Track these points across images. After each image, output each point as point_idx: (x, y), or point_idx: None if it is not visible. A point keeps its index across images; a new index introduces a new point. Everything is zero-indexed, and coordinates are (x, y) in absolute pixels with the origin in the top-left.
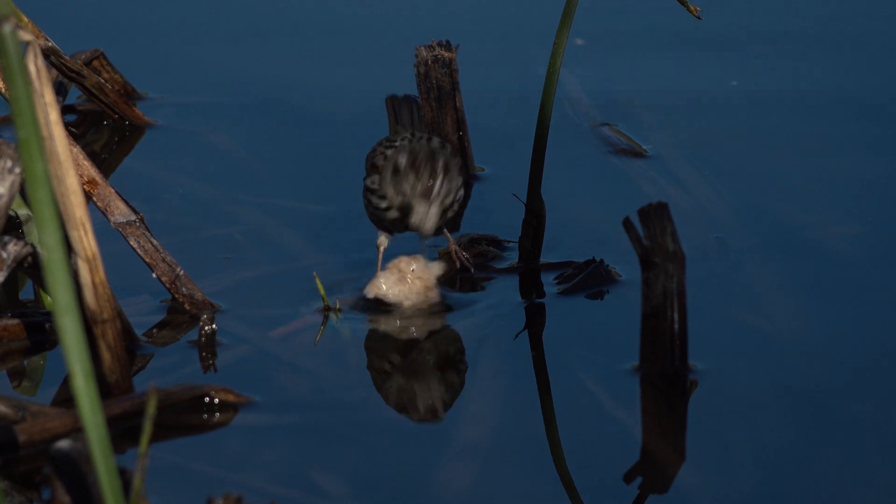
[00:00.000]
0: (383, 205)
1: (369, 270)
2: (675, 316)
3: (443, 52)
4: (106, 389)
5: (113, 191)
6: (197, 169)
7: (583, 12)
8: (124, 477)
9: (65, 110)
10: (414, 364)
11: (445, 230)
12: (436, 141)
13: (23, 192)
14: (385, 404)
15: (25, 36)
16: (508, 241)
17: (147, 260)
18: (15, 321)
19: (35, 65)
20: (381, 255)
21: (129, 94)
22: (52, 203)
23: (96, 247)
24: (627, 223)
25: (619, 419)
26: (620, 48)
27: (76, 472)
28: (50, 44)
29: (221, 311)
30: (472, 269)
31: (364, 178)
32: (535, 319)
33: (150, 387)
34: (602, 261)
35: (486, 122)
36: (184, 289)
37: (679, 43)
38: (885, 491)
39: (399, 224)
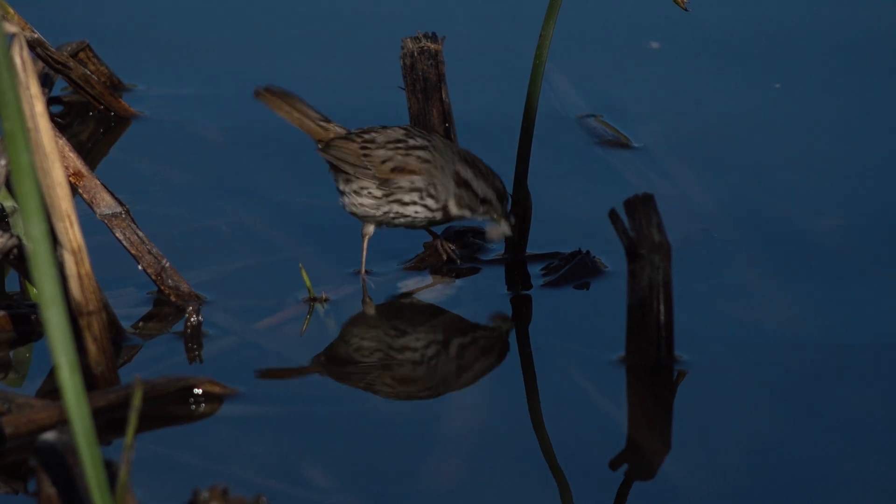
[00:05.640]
0: (423, 213)
1: (354, 261)
2: (661, 307)
3: (429, 44)
4: (91, 381)
5: (99, 182)
6: (183, 160)
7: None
8: (110, 468)
9: (50, 102)
10: (400, 355)
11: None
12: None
13: (8, 183)
14: (370, 396)
15: (11, 27)
16: None
17: (133, 252)
18: (0, 313)
19: (21, 56)
20: (366, 245)
21: (115, 86)
22: (38, 195)
23: (82, 238)
24: (613, 214)
25: (606, 410)
26: (606, 40)
27: (62, 464)
28: (35, 35)
29: (207, 303)
30: (459, 261)
31: (369, 184)
32: (521, 311)
33: (136, 378)
34: (588, 252)
35: (472, 113)
36: (169, 280)
37: (667, 34)
38: (870, 480)
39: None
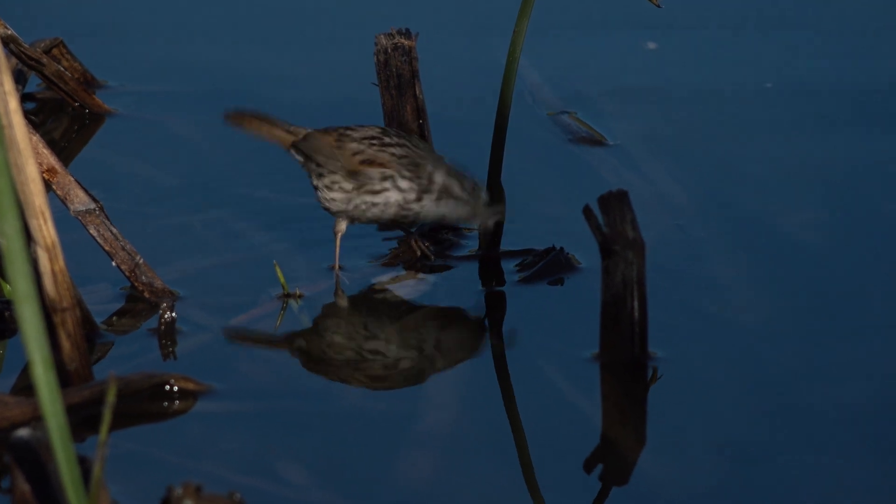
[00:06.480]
0: (394, 197)
1: (327, 257)
2: (635, 304)
3: (402, 40)
4: (65, 378)
5: (72, 179)
6: (157, 157)
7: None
8: (84, 465)
9: (24, 98)
10: (374, 352)
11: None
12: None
13: None
14: (345, 392)
15: None
16: (468, 229)
17: (107, 248)
18: None
19: None
20: (339, 241)
21: (89, 83)
22: (12, 191)
23: (56, 235)
24: (587, 211)
25: (579, 407)
26: (580, 35)
27: (36, 461)
28: (9, 32)
29: (181, 299)
30: (432, 257)
31: (339, 178)
32: (495, 307)
33: (110, 375)
34: (562, 248)
35: (445, 110)
36: (143, 277)
37: (638, 29)
38: (844, 476)
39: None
